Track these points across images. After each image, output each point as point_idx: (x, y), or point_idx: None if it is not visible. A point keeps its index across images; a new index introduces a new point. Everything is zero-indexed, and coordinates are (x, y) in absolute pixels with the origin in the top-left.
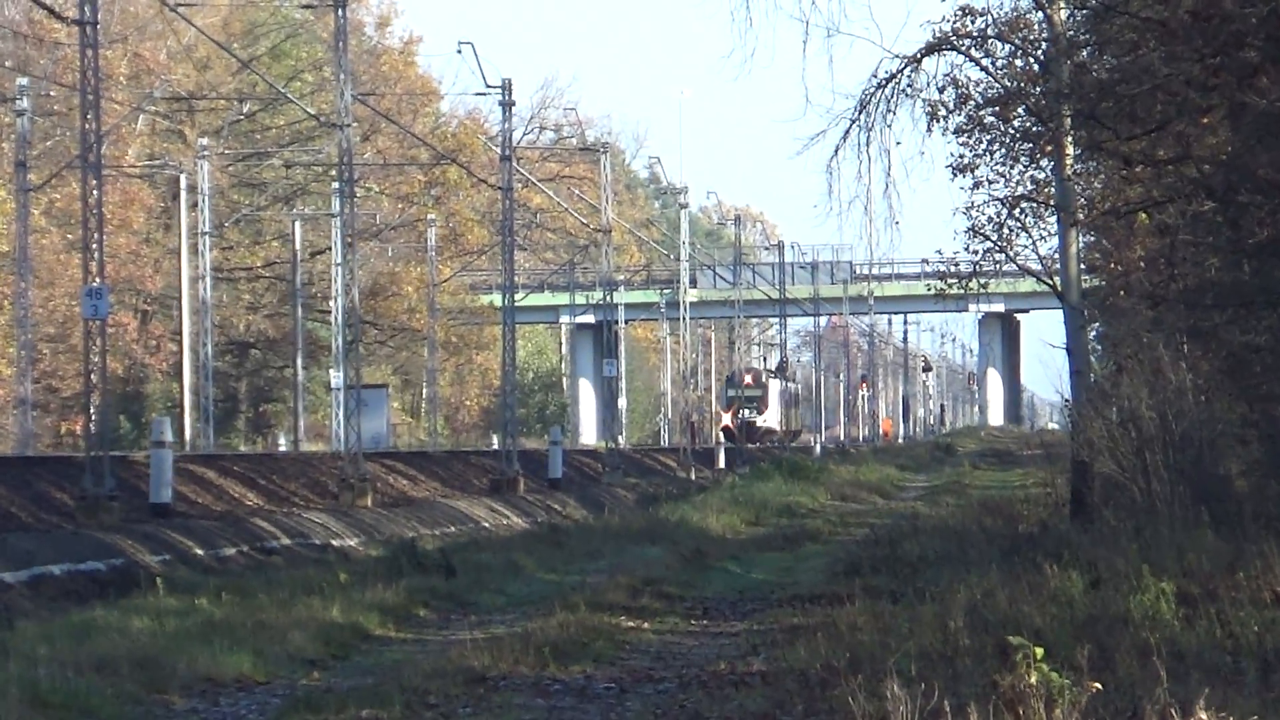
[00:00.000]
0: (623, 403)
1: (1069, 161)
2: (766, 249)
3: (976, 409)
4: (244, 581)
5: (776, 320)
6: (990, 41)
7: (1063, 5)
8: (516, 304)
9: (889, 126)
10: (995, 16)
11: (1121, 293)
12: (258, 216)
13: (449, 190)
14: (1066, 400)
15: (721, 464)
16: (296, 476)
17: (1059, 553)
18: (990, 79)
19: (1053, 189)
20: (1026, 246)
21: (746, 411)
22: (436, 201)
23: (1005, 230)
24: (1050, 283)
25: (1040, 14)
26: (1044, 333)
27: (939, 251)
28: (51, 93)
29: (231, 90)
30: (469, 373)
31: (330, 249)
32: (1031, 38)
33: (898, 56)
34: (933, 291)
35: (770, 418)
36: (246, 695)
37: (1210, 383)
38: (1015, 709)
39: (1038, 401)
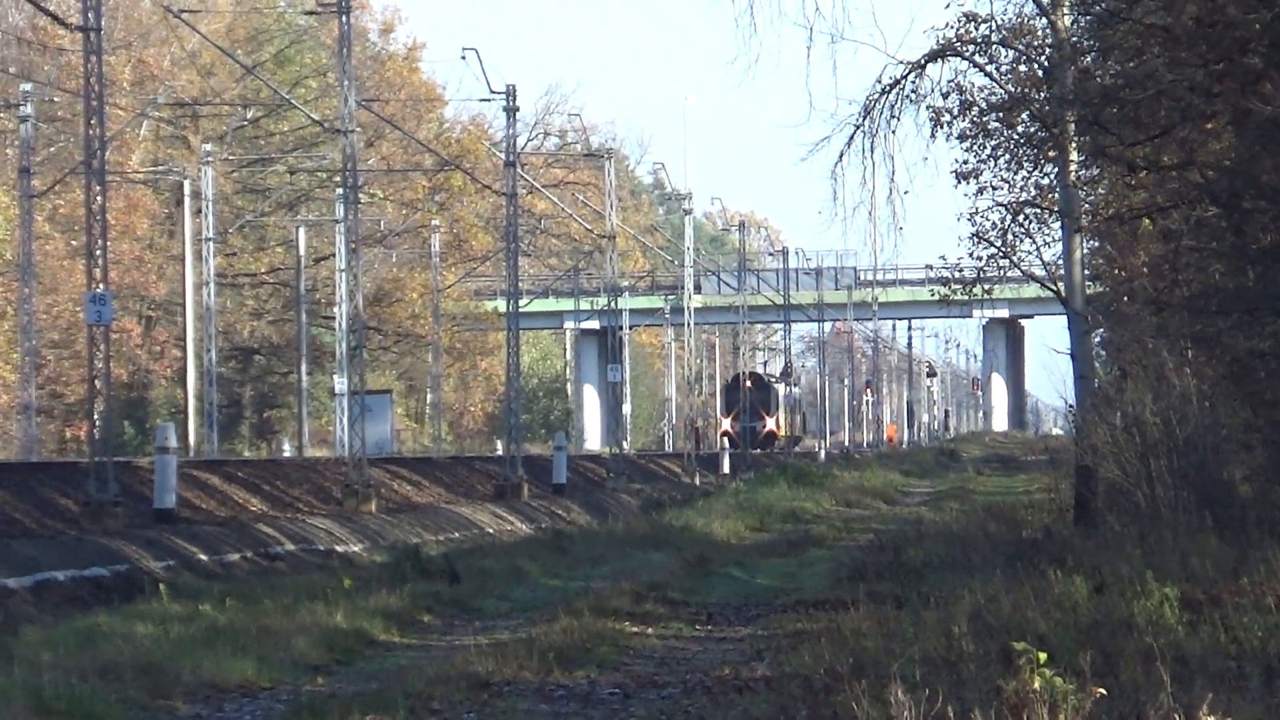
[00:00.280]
0: (627, 408)
1: (1073, 167)
2: (771, 255)
3: (981, 414)
4: (248, 587)
5: (781, 326)
6: (994, 47)
7: (1066, 11)
8: (521, 310)
9: (893, 132)
10: (999, 22)
11: (1125, 298)
12: (261, 222)
13: (453, 196)
14: (1070, 405)
15: (726, 469)
16: (300, 482)
17: (1063, 558)
18: (994, 85)
19: (1057, 195)
20: (1030, 252)
21: (748, 416)
22: (441, 207)
23: (1009, 236)
24: (1054, 288)
25: (1044, 20)
26: (1048, 338)
27: (943, 257)
28: (55, 99)
29: (235, 96)
30: (473, 378)
31: (334, 255)
32: (1035, 43)
33: (902, 62)
34: (937, 297)
35: (772, 423)
36: (251, 701)
37: (1214, 388)
38: (1019, 714)
39: (1042, 407)
